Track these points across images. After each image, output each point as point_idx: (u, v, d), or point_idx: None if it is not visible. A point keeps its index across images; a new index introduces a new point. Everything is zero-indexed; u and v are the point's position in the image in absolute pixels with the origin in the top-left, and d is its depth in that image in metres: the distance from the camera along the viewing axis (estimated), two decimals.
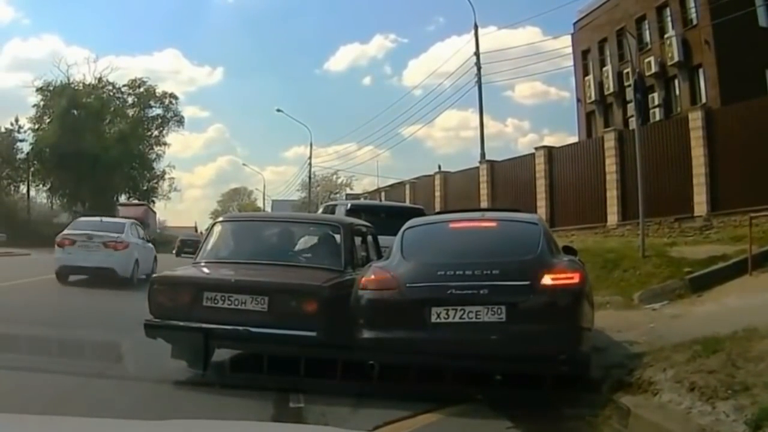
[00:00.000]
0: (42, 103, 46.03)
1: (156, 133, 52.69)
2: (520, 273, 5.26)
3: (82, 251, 13.58)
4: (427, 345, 5.15)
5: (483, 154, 23.80)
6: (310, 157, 47.49)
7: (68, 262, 13.64)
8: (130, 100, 51.91)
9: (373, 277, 5.52)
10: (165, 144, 52.76)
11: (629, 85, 21.63)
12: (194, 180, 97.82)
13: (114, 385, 5.34)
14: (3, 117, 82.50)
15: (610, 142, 17.39)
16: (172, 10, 77.00)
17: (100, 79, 49.07)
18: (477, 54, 25.22)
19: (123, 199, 46.98)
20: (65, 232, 14.56)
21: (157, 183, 52.94)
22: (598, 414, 4.85)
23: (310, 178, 48.57)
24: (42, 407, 4.33)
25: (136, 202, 42.89)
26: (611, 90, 25.80)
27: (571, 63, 29.30)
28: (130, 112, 51.38)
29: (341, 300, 5.52)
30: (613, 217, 16.97)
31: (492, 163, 22.59)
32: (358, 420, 4.70)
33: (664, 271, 10.47)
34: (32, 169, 46.03)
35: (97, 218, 15.50)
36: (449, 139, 77.71)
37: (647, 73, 23.12)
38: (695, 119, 15.10)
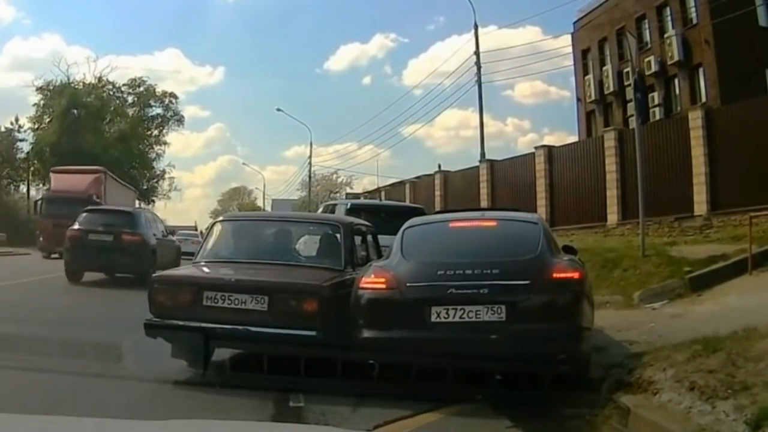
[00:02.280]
0: (42, 102, 45.98)
1: (156, 132, 52.68)
2: (520, 272, 5.26)
3: (188, 245, 24.38)
4: (427, 344, 5.16)
5: (483, 154, 23.83)
6: (310, 157, 47.59)
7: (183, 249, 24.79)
8: (130, 99, 51.86)
9: (373, 276, 5.52)
10: (165, 143, 52.76)
11: (629, 85, 21.61)
12: (194, 179, 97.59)
13: (114, 385, 5.34)
14: (3, 117, 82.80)
15: (610, 141, 17.38)
16: (172, 10, 76.84)
17: (100, 79, 49.04)
18: (477, 53, 25.26)
19: None
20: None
21: (157, 182, 52.97)
22: (598, 414, 4.83)
23: (310, 177, 48.66)
24: (42, 407, 4.32)
25: (81, 167, 26.97)
26: (611, 89, 25.82)
27: (571, 62, 29.40)
28: (130, 111, 51.31)
29: (341, 299, 5.52)
30: (613, 216, 16.96)
31: (492, 163, 22.60)
32: (358, 419, 4.70)
33: (664, 270, 10.46)
34: (32, 168, 45.94)
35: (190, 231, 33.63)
36: (449, 138, 77.72)
37: (647, 73, 23.12)
38: (695, 119, 15.09)
